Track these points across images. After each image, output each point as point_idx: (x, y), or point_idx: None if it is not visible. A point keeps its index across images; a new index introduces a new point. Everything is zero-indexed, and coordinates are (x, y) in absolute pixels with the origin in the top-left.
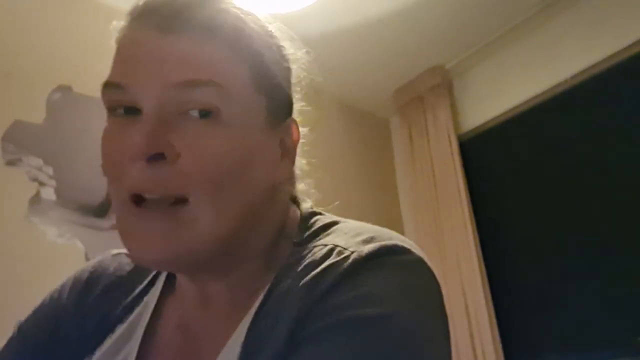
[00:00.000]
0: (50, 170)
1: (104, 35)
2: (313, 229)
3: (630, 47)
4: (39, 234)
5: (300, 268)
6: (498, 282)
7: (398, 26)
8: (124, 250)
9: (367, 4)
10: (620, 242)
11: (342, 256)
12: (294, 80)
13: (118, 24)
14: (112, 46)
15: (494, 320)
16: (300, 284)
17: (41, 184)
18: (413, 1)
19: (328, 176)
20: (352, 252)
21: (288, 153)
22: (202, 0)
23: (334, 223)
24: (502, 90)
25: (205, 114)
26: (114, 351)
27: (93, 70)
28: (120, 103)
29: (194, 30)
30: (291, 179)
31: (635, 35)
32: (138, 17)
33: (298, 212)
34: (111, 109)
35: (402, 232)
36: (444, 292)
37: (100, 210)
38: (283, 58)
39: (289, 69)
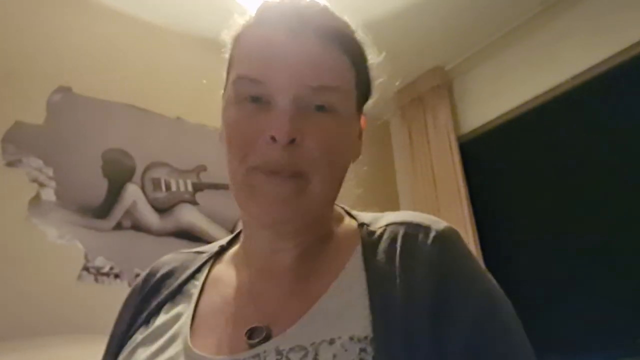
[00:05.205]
0: (50, 171)
1: (104, 37)
2: (360, 213)
3: (631, 47)
4: (39, 235)
5: (388, 243)
6: (498, 282)
7: (398, 27)
8: (186, 250)
9: (367, 5)
10: (621, 242)
11: (423, 229)
12: (374, 80)
13: (241, 19)
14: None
15: None
16: (401, 258)
17: (41, 185)
18: (413, 3)
19: None
20: (428, 226)
21: (361, 137)
22: (322, 9)
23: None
24: (502, 92)
25: (325, 108)
26: (167, 326)
27: (93, 71)
28: (253, 94)
29: (323, 37)
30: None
31: (636, 36)
32: (269, 18)
33: None
34: (240, 97)
35: None
36: None
37: (100, 211)
38: (372, 59)
39: (373, 69)
